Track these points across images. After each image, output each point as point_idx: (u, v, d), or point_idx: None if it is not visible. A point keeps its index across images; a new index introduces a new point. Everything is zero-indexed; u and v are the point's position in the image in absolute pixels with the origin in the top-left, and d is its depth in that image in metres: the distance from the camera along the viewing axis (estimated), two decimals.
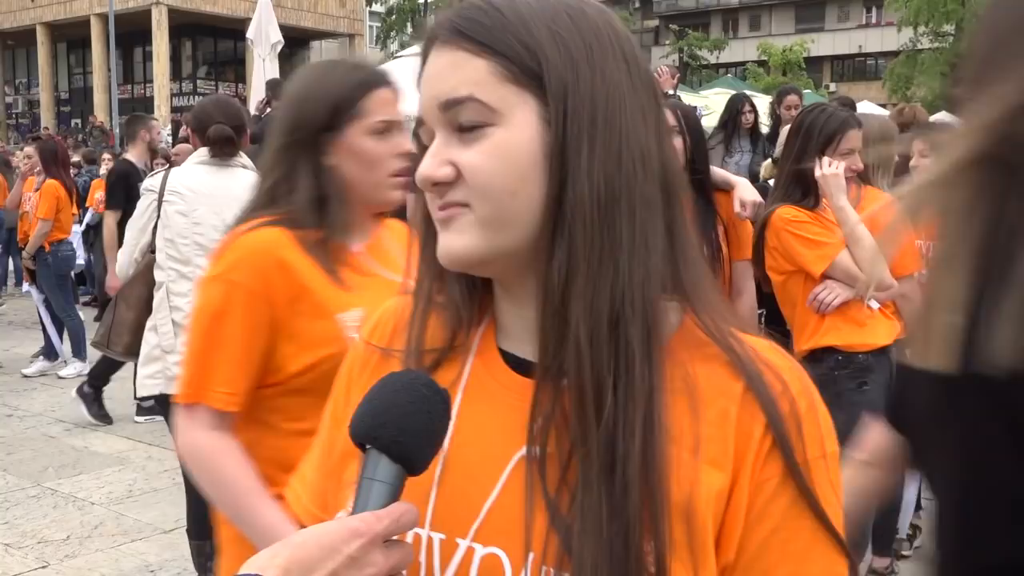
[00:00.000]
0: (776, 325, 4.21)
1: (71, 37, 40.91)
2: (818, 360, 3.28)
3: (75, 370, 7.97)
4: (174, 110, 35.10)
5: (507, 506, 0.85)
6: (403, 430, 0.78)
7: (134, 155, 7.16)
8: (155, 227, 3.70)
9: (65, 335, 8.10)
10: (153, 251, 3.71)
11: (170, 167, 3.88)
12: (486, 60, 0.85)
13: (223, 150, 3.62)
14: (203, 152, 3.66)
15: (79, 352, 7.91)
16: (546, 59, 0.84)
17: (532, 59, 0.84)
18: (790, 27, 52.21)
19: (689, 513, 0.81)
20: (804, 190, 3.30)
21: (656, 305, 0.84)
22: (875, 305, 3.30)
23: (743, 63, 43.95)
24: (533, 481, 0.84)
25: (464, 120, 0.85)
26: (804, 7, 53.44)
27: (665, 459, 0.80)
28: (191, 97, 38.35)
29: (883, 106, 20.96)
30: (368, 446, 0.79)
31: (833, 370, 3.27)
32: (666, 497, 0.80)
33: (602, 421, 0.80)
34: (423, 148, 0.90)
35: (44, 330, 8.21)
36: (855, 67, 52.62)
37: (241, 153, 3.70)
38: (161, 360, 3.56)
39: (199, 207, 3.55)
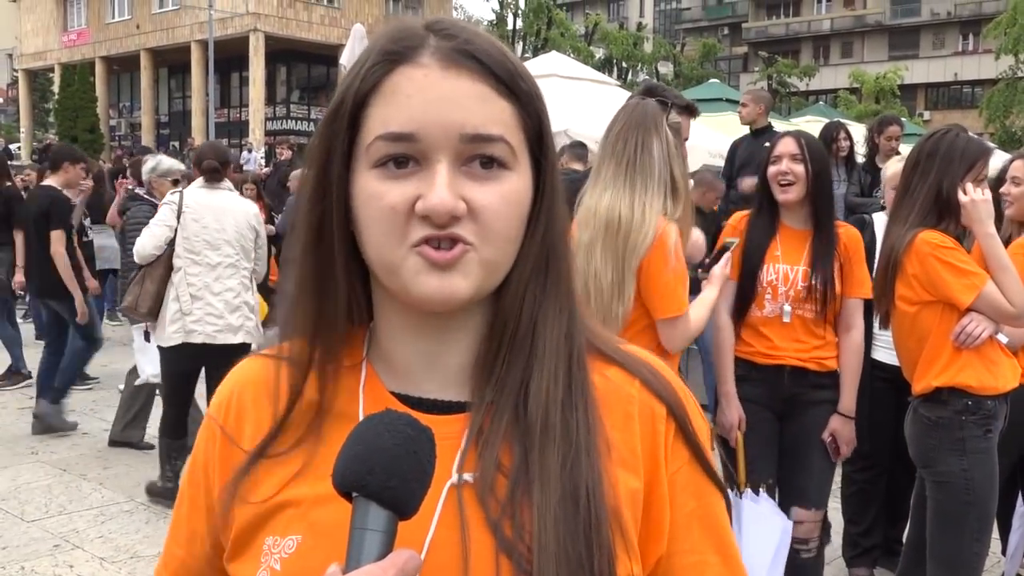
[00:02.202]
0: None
1: (172, 63, 42.51)
2: (942, 402, 3.11)
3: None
4: (268, 133, 36.06)
5: (447, 538, 0.83)
6: (392, 474, 0.74)
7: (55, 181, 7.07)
8: (176, 228, 5.15)
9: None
10: (170, 244, 5.14)
11: (183, 189, 5.39)
12: (510, 104, 0.85)
13: (212, 178, 5.24)
14: (200, 180, 5.29)
15: None
16: (546, 117, 0.89)
17: (535, 115, 0.87)
18: (883, 54, 51.26)
19: (617, 515, 0.85)
20: (940, 214, 3.11)
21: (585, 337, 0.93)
22: (1004, 340, 3.13)
23: (834, 90, 43.22)
24: (468, 507, 0.83)
25: (487, 158, 0.83)
26: (898, 34, 52.46)
27: (604, 470, 0.85)
28: (284, 121, 39.46)
29: (979, 135, 20.41)
30: (355, 494, 0.75)
31: (960, 415, 3.07)
32: (608, 505, 0.84)
33: (556, 443, 0.84)
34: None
35: None
36: (950, 95, 51.38)
37: (225, 179, 5.34)
38: (181, 320, 5.09)
39: (205, 215, 5.16)
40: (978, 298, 3.01)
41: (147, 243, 5.16)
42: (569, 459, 0.83)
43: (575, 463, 0.83)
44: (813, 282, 3.32)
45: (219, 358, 5.04)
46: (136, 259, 5.29)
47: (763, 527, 3.20)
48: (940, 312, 3.10)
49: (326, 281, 0.90)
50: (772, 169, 3.38)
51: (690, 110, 3.29)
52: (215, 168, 5.22)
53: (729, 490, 3.34)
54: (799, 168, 3.33)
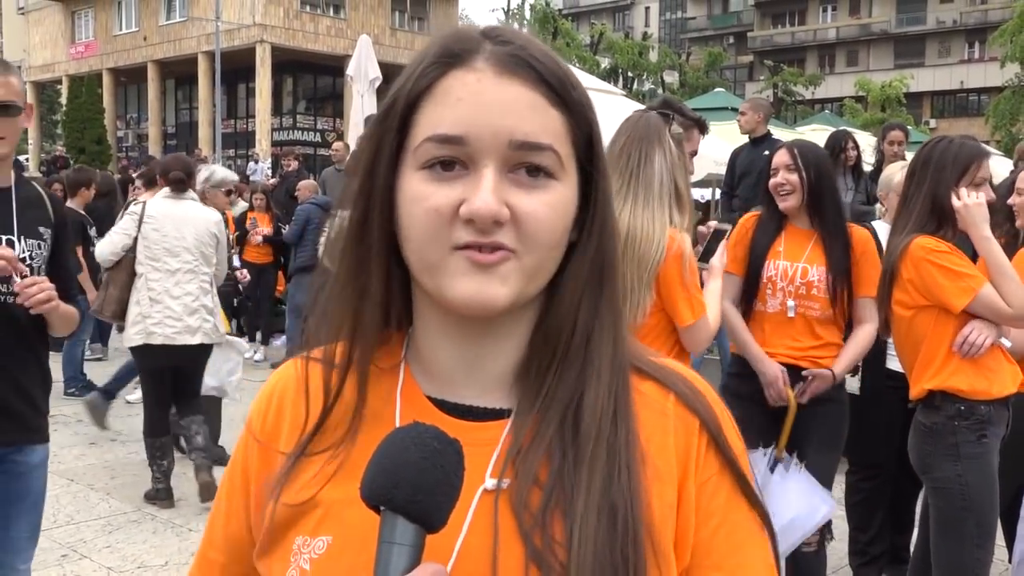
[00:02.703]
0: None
1: (179, 74, 42.70)
2: (935, 407, 3.12)
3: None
4: (274, 144, 36.15)
5: (477, 545, 0.83)
6: (419, 488, 0.74)
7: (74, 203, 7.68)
8: (136, 237, 5.49)
9: None
10: (131, 252, 5.48)
11: (146, 199, 5.76)
12: (561, 114, 0.85)
13: (177, 188, 5.60)
14: (166, 190, 5.64)
15: None
16: (598, 129, 0.89)
17: (585, 125, 0.87)
18: (889, 63, 51.24)
19: (650, 528, 0.83)
20: (939, 221, 3.15)
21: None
22: (1007, 344, 3.13)
23: (840, 99, 43.10)
24: (501, 514, 0.83)
25: (534, 167, 0.83)
26: (903, 42, 52.44)
27: (641, 485, 0.85)
28: (291, 132, 39.52)
29: (986, 143, 20.39)
30: (383, 508, 0.75)
31: (952, 419, 3.09)
32: (644, 519, 0.83)
33: (602, 456, 0.84)
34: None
35: None
36: (956, 103, 51.32)
37: (190, 189, 5.70)
38: (142, 323, 5.42)
39: (166, 224, 5.51)
40: (974, 300, 3.02)
41: (105, 249, 5.59)
42: (613, 473, 0.83)
43: (618, 477, 0.83)
44: (820, 280, 3.44)
45: (180, 358, 5.45)
46: (98, 262, 5.73)
47: (790, 499, 3.23)
48: (935, 317, 3.12)
49: (366, 279, 0.89)
50: (771, 181, 3.57)
51: (700, 125, 3.41)
52: (181, 179, 5.62)
53: (758, 449, 3.38)
54: (793, 177, 3.49)
